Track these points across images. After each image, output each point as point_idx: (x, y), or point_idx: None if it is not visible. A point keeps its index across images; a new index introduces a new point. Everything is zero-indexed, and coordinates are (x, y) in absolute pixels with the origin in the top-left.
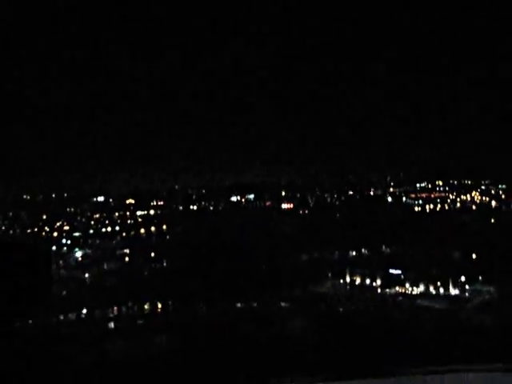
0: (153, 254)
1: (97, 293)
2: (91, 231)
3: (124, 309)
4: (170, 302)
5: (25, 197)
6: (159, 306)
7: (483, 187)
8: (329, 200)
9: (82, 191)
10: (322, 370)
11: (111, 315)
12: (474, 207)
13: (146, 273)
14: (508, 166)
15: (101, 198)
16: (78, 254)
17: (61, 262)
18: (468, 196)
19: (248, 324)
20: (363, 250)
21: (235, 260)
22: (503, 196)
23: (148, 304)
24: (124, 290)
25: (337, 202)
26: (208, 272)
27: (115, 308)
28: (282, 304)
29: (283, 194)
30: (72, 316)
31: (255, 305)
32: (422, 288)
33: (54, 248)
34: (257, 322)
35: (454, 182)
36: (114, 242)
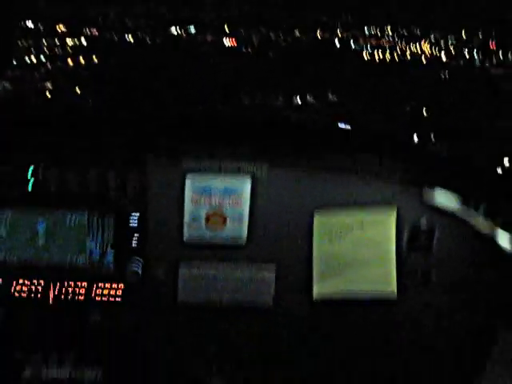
0: (78, 91)
1: None
2: (15, 62)
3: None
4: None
5: None
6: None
7: (433, 40)
8: (274, 38)
9: (9, 14)
10: None
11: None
12: (424, 61)
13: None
14: (457, 16)
15: (29, 24)
16: None
17: None
18: (418, 48)
19: None
20: (308, 97)
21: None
22: (453, 51)
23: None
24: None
25: (283, 44)
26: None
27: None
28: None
29: (226, 29)
30: None
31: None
32: None
33: None
34: None
35: (403, 31)
36: (36, 74)
